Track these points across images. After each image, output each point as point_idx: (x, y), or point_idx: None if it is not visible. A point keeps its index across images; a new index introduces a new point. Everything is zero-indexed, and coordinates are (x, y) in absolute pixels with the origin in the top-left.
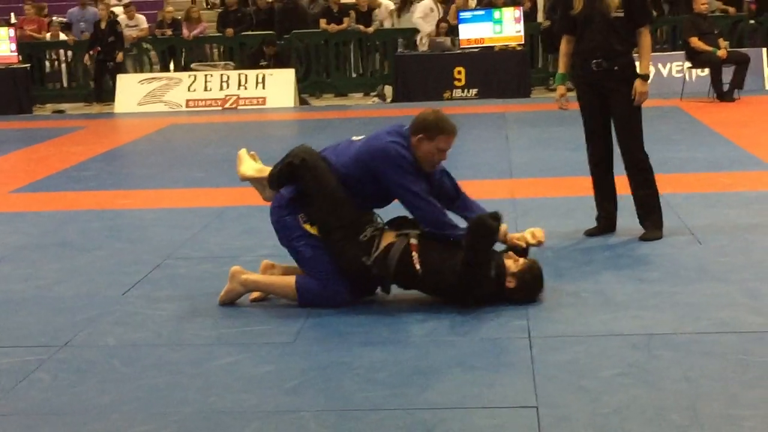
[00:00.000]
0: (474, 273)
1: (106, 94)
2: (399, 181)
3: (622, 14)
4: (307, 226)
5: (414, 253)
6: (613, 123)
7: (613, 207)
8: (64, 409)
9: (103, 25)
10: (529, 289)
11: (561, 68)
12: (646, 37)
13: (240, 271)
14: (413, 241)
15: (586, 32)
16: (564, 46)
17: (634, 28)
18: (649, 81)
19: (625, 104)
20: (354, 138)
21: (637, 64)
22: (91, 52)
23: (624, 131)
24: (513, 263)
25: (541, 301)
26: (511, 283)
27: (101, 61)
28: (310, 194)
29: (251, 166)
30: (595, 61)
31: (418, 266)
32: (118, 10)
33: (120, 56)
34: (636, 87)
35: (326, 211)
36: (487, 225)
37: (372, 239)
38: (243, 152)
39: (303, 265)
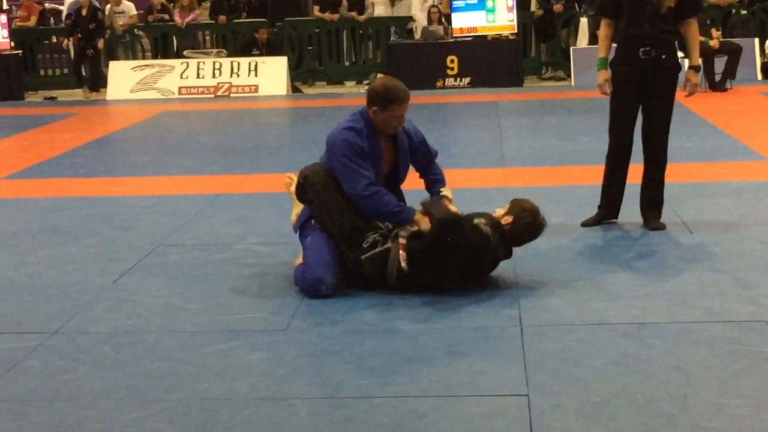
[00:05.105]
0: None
1: (87, 81)
2: (344, 176)
3: (673, 4)
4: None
5: (401, 252)
6: (645, 112)
7: (620, 196)
8: (54, 396)
9: (84, 12)
10: (527, 212)
11: (601, 52)
12: (694, 28)
13: None
14: (401, 241)
15: (635, 19)
16: (604, 30)
17: (681, 18)
18: (699, 72)
19: (665, 93)
20: None
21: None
22: (71, 38)
23: (656, 120)
24: (500, 211)
25: (534, 287)
26: (508, 219)
27: (82, 48)
28: (318, 207)
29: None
30: (642, 48)
31: (404, 264)
32: None
33: (101, 44)
34: (689, 78)
35: (330, 222)
36: (450, 221)
37: (374, 244)
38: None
39: (303, 252)
